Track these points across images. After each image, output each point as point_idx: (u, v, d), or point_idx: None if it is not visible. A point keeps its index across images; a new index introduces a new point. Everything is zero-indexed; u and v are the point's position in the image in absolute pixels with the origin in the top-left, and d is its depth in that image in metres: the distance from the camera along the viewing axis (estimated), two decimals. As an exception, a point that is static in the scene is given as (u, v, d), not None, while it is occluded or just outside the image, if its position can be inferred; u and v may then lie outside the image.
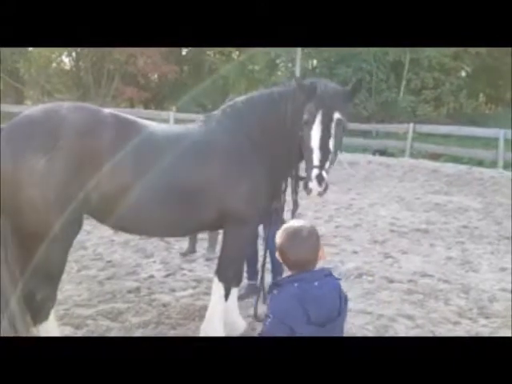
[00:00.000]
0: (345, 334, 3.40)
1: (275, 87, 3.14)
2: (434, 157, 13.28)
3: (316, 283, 1.79)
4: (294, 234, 1.83)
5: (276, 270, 3.87)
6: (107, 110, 2.84)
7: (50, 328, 2.82)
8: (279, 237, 1.86)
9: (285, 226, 1.90)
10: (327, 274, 1.87)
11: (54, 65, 22.97)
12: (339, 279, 1.92)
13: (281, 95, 3.00)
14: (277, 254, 1.90)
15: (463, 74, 24.01)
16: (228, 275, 3.09)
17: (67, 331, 3.29)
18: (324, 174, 2.68)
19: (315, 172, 2.67)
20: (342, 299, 1.86)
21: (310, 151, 2.72)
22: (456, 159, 12.81)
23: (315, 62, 23.21)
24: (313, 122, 2.71)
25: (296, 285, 1.78)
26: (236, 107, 3.09)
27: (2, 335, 2.73)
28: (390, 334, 3.50)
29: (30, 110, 2.76)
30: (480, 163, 11.94)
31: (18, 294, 2.83)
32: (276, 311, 1.78)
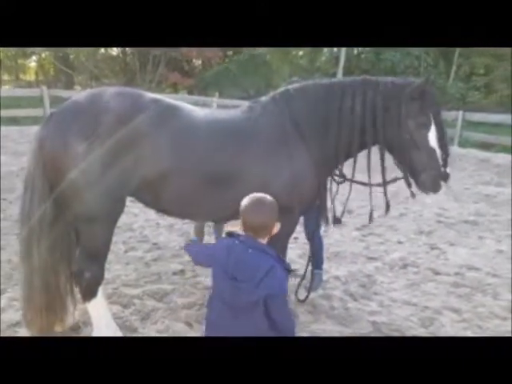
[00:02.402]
0: (389, 327, 3.40)
1: (334, 79, 3.13)
2: (484, 146, 12.77)
3: (250, 250, 2.00)
4: (258, 201, 2.07)
5: (317, 259, 3.86)
6: (150, 95, 2.85)
7: (99, 305, 2.93)
8: (244, 200, 2.09)
9: (252, 194, 2.12)
10: (267, 252, 2.01)
11: (102, 51, 23.49)
12: (279, 262, 2.02)
13: (344, 89, 2.95)
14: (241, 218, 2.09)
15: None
16: None
17: (115, 309, 3.40)
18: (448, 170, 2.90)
19: (443, 171, 2.88)
20: (269, 276, 1.93)
21: (432, 152, 2.85)
22: (507, 149, 12.26)
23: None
24: (430, 123, 2.83)
25: (237, 242, 2.05)
26: (287, 95, 3.04)
27: None
28: (436, 326, 3.43)
29: (78, 95, 2.83)
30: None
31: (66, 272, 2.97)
32: (211, 246, 2.23)
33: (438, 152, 2.86)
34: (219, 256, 2.06)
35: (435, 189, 2.93)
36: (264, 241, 2.08)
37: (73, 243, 2.92)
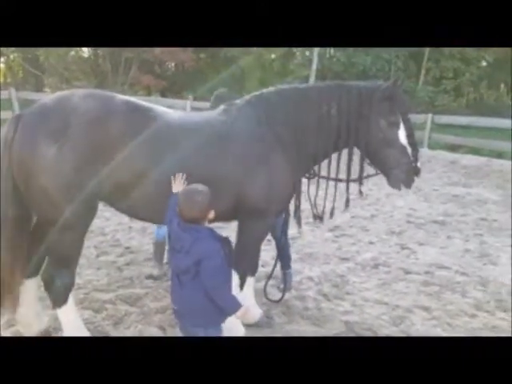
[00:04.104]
0: (361, 326, 3.45)
1: (310, 84, 3.20)
2: (453, 148, 13.09)
3: (186, 228, 2.33)
4: (189, 198, 2.34)
5: (286, 259, 3.89)
6: (121, 97, 2.79)
7: (69, 311, 2.87)
8: (180, 195, 2.39)
9: (186, 188, 2.44)
10: (198, 229, 2.32)
11: (73, 52, 23.07)
12: (211, 234, 2.34)
13: (320, 93, 3.01)
14: (177, 209, 2.37)
15: (484, 63, 23.51)
16: (242, 266, 3.09)
17: (87, 315, 3.35)
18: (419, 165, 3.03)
19: (414, 165, 3.00)
20: (197, 244, 2.26)
21: (403, 149, 2.98)
22: (475, 151, 12.60)
23: (332, 50, 22.92)
24: (400, 122, 2.96)
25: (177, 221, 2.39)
26: (263, 98, 3.05)
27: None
28: (407, 324, 3.50)
29: (46, 97, 2.77)
30: (500, 155, 11.71)
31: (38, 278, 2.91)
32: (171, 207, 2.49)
33: (408, 148, 2.99)
34: (169, 232, 2.45)
35: (408, 183, 3.05)
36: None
37: (42, 247, 2.86)
